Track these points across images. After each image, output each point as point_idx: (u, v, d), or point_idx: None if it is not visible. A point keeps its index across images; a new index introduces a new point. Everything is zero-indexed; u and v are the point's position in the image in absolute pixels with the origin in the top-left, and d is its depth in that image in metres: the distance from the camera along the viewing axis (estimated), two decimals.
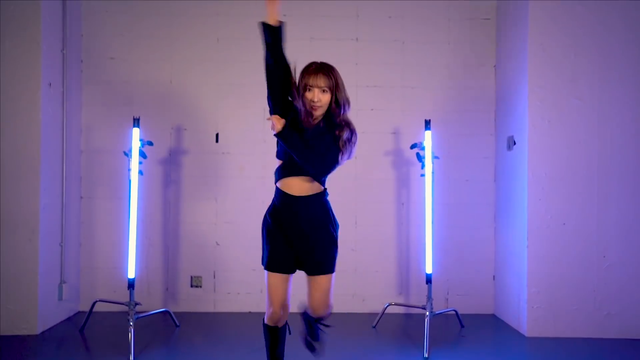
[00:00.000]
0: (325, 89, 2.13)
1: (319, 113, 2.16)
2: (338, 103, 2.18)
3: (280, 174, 2.26)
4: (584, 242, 3.52)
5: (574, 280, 3.52)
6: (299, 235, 2.24)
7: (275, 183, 2.29)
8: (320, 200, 2.27)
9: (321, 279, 2.25)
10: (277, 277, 2.26)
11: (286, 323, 2.42)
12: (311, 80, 2.12)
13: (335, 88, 2.15)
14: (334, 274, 2.30)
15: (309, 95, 2.13)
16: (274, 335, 2.38)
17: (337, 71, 2.20)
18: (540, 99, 3.56)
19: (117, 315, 3.81)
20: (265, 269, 2.28)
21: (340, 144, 2.15)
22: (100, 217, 4.07)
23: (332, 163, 2.18)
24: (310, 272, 2.27)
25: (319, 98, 2.13)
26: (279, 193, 2.27)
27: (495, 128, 4.16)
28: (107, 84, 4.08)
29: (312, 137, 2.16)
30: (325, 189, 2.30)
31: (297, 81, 2.19)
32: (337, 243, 2.31)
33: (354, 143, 2.22)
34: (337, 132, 2.18)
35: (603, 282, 3.50)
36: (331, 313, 2.37)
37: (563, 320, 3.52)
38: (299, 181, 2.21)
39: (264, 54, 2.20)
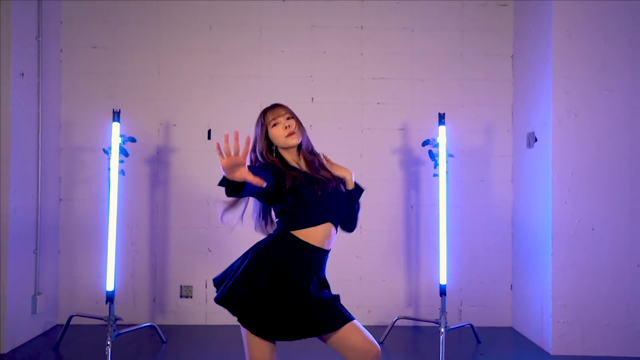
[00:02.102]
0: (289, 116, 1.90)
1: (295, 141, 1.88)
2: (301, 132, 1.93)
3: (298, 222, 1.82)
4: (615, 249, 3.17)
5: (604, 292, 3.16)
6: (309, 294, 1.79)
7: (289, 231, 1.83)
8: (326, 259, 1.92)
9: (352, 325, 1.79)
10: (266, 344, 1.79)
11: None
12: (271, 115, 1.90)
13: (295, 117, 1.92)
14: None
15: (278, 129, 1.88)
16: None
17: None
18: (565, 91, 3.22)
19: (98, 329, 3.46)
20: (252, 332, 1.75)
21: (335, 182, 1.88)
22: (81, 221, 3.72)
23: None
24: (334, 326, 1.76)
25: (288, 124, 1.88)
26: (295, 242, 1.82)
27: (513, 123, 3.81)
28: (89, 75, 3.74)
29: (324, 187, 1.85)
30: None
31: (258, 136, 1.91)
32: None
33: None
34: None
35: (637, 295, 3.14)
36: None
37: (592, 336, 3.16)
38: (323, 230, 1.84)
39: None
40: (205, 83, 3.78)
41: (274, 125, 1.88)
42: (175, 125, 3.77)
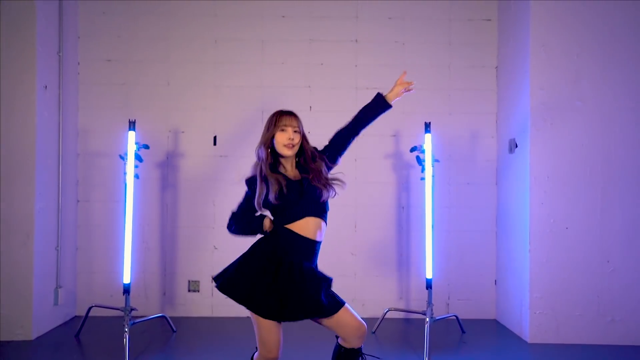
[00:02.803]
0: (297, 129, 2.17)
1: (289, 153, 2.16)
2: (305, 146, 2.21)
3: (287, 217, 2.12)
4: (587, 246, 3.45)
5: (577, 285, 3.45)
6: (296, 281, 2.08)
7: (283, 225, 2.13)
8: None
9: (344, 309, 2.12)
10: (273, 327, 2.08)
11: None
12: (285, 121, 2.16)
13: (302, 132, 2.21)
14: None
15: (283, 135, 2.15)
16: None
17: None
18: (542, 101, 3.50)
19: (113, 320, 3.77)
20: (256, 312, 2.06)
21: (322, 182, 2.16)
22: (97, 220, 4.03)
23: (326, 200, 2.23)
24: (332, 312, 2.09)
25: (293, 136, 2.16)
26: (288, 233, 2.11)
27: (497, 130, 4.10)
28: (104, 86, 4.05)
29: (305, 187, 2.15)
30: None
31: (266, 130, 2.20)
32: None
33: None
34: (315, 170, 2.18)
35: (607, 288, 3.43)
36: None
37: (566, 326, 3.45)
38: (314, 222, 2.13)
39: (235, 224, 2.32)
40: (211, 93, 4.08)
41: (282, 130, 2.15)
42: (183, 132, 4.07)
